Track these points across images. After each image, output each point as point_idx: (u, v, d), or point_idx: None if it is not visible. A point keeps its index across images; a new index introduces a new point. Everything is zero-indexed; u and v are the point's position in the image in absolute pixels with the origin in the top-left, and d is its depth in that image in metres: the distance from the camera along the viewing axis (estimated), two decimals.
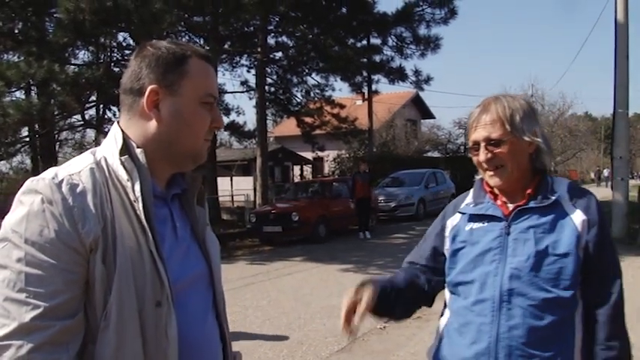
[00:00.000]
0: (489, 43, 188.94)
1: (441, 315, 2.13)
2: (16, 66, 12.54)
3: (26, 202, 1.30)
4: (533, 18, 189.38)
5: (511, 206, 1.95)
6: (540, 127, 1.95)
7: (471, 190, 2.13)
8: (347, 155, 29.91)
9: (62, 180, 1.32)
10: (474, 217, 2.01)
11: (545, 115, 60.69)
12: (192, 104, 1.45)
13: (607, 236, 1.90)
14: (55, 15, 14.52)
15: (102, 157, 1.43)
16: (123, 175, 1.39)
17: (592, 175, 72.28)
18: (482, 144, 1.92)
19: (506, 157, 1.89)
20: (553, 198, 1.90)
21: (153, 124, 1.44)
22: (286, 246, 15.64)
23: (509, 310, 1.82)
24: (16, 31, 15.03)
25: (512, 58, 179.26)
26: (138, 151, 1.43)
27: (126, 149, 1.42)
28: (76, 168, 1.38)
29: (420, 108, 45.50)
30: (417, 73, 22.92)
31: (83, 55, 18.36)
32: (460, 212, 2.08)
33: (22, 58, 13.53)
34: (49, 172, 1.36)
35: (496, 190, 2.01)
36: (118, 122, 1.50)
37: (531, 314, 1.80)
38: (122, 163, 1.39)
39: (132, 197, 1.37)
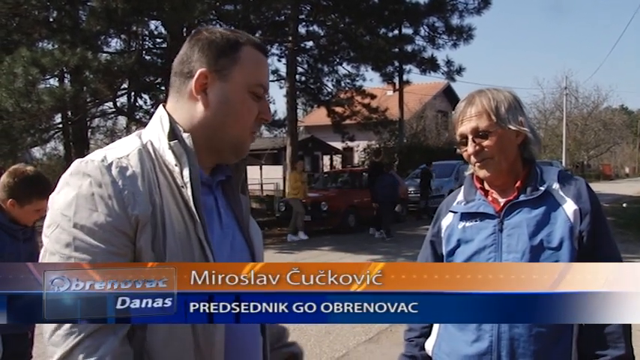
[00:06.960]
0: (523, 34, 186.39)
1: None
2: (50, 53, 12.66)
3: (74, 184, 1.27)
4: (569, 8, 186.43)
5: (502, 201, 1.94)
6: (527, 117, 1.95)
7: (462, 188, 2.11)
8: (377, 145, 29.80)
9: (111, 163, 1.30)
10: (465, 216, 2.00)
11: (579, 107, 59.73)
12: (240, 92, 1.43)
13: (602, 224, 1.88)
14: (88, 3, 14.68)
15: (148, 141, 1.40)
16: (170, 159, 1.36)
17: (627, 170, 70.93)
18: (470, 136, 1.91)
19: (494, 150, 1.89)
20: (542, 189, 1.89)
21: (200, 109, 1.42)
22: (315, 235, 15.63)
23: None
24: (51, 20, 15.20)
25: (546, 49, 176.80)
26: (185, 135, 1.39)
27: (172, 134, 1.39)
28: (124, 151, 1.35)
29: (451, 99, 45.01)
30: (448, 63, 22.76)
31: (115, 43, 18.56)
32: (452, 211, 2.08)
33: (56, 45, 13.67)
34: (98, 154, 1.33)
35: (486, 186, 2.00)
36: (164, 105, 1.47)
37: None
38: (171, 148, 1.36)
39: (179, 182, 1.34)
